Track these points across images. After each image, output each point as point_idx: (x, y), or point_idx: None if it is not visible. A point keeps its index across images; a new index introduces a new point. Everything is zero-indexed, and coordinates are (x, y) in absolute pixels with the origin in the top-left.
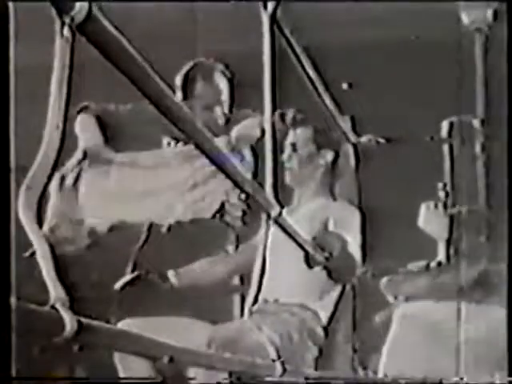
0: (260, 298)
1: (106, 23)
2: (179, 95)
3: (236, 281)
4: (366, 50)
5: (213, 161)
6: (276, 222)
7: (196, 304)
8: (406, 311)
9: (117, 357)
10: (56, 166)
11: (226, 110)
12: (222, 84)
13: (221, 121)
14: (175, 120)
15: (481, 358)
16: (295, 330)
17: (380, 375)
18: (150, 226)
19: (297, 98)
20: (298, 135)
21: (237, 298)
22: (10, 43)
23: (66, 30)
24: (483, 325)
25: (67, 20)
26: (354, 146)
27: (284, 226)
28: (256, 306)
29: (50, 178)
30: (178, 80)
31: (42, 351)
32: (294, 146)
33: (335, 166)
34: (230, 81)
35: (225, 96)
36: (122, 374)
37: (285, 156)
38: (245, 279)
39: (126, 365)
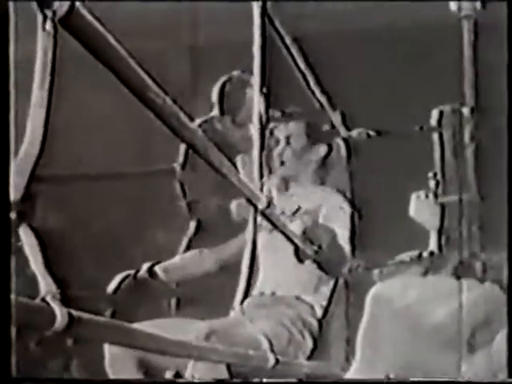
0: (256, 291)
1: (89, 17)
2: (216, 111)
3: None
4: (356, 40)
5: (203, 157)
6: (263, 214)
7: None
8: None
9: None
10: (40, 158)
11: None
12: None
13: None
14: (160, 113)
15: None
16: (291, 322)
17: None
18: None
19: (288, 92)
20: (291, 129)
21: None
22: (9, 43)
23: (48, 24)
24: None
25: (49, 14)
26: (345, 140)
27: (272, 219)
28: (250, 300)
29: (33, 169)
30: (214, 95)
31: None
32: (287, 140)
33: (327, 159)
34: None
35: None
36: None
37: (278, 149)
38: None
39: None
